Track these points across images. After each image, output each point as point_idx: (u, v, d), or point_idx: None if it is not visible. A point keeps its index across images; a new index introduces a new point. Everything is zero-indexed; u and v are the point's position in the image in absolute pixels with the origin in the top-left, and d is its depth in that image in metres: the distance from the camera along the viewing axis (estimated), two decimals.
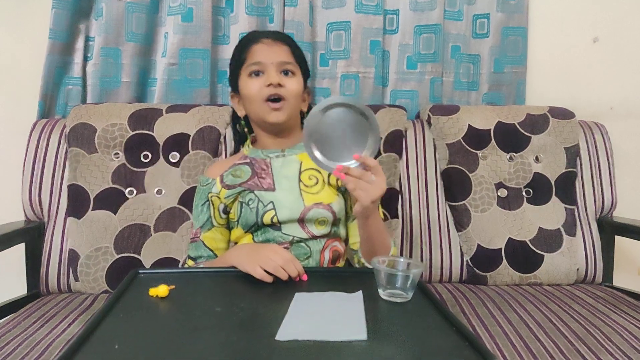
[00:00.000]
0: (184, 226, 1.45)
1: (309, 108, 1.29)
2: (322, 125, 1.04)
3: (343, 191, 1.22)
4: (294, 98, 1.20)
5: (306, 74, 1.29)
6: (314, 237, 1.17)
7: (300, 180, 1.19)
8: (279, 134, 1.24)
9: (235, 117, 1.38)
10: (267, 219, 1.15)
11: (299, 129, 1.28)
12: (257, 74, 1.20)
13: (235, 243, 1.24)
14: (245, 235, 1.20)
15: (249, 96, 1.20)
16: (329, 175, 1.20)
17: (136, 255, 1.42)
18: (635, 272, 1.77)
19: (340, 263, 1.23)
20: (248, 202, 1.17)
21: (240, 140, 1.44)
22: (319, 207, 1.16)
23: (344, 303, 0.86)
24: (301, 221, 1.16)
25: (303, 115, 1.29)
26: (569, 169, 1.58)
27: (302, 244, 1.17)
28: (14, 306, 1.34)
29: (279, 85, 1.17)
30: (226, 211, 1.22)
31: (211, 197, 1.22)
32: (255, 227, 1.17)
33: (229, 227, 1.26)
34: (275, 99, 1.17)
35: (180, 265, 1.39)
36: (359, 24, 1.69)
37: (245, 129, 1.32)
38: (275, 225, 1.16)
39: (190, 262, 1.24)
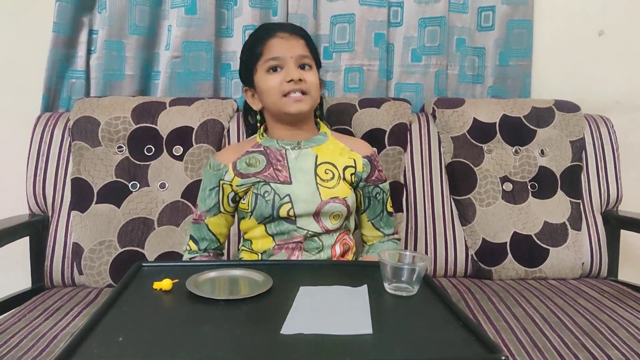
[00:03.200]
0: (187, 220, 1.44)
1: (320, 100, 1.29)
2: None
3: (355, 186, 1.23)
4: (315, 90, 1.19)
5: (319, 65, 1.27)
6: (328, 232, 1.18)
7: (316, 174, 1.19)
8: (295, 126, 1.22)
9: (247, 110, 1.35)
10: (283, 212, 1.15)
11: (313, 122, 1.27)
12: (275, 69, 1.18)
13: (245, 233, 1.23)
14: (258, 226, 1.19)
15: (269, 91, 1.18)
16: (344, 169, 1.21)
17: (140, 249, 1.41)
18: None
19: (349, 256, 1.24)
20: (264, 194, 1.16)
21: (252, 133, 1.39)
22: (335, 202, 1.17)
23: (349, 297, 0.85)
24: (317, 215, 1.17)
25: (316, 107, 1.28)
26: (575, 163, 1.57)
27: (316, 237, 1.17)
28: (18, 299, 1.35)
29: (300, 80, 1.15)
30: (235, 200, 1.22)
31: (222, 184, 1.21)
32: (269, 219, 1.17)
33: (234, 214, 1.26)
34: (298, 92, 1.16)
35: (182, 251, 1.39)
36: (363, 16, 1.67)
37: (258, 124, 1.29)
38: (291, 219, 1.16)
39: (191, 244, 1.24)
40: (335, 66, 1.71)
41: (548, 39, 1.78)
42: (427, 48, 1.71)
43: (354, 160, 1.23)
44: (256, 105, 1.26)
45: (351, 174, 1.21)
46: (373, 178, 1.25)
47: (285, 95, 1.16)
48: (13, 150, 1.57)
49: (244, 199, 1.20)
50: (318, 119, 1.29)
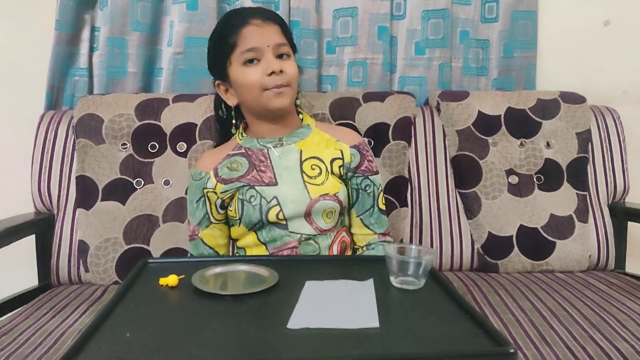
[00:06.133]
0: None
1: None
2: None
3: (344, 179, 1.18)
4: (295, 82, 1.13)
5: (295, 51, 1.19)
6: (322, 232, 1.13)
7: (302, 171, 1.13)
8: (277, 120, 1.16)
9: (218, 107, 1.28)
10: (272, 216, 1.10)
11: (295, 114, 1.22)
12: (252, 61, 1.10)
13: (237, 240, 1.20)
14: (249, 233, 1.14)
15: (248, 86, 1.11)
16: (331, 162, 1.15)
17: (145, 246, 1.42)
18: None
19: (348, 253, 1.21)
20: (250, 200, 1.11)
21: (224, 133, 1.32)
22: (325, 199, 1.11)
23: (355, 291, 0.85)
24: (308, 215, 1.12)
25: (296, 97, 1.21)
26: (581, 155, 1.56)
27: (311, 241, 1.13)
28: (25, 297, 1.35)
29: (281, 72, 1.09)
30: (224, 206, 1.16)
31: (207, 192, 1.16)
32: (259, 225, 1.12)
33: (227, 222, 1.20)
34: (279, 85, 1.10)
35: None
36: (366, 9, 1.66)
37: (234, 121, 1.22)
38: (281, 223, 1.11)
39: None
40: (338, 60, 1.70)
41: (553, 29, 1.76)
42: (431, 41, 1.70)
43: (341, 151, 1.16)
44: (231, 101, 1.19)
45: (339, 166, 1.15)
46: (362, 168, 1.18)
47: (265, 90, 1.09)
48: (17, 149, 1.57)
49: (230, 206, 1.15)
50: (299, 109, 1.23)
